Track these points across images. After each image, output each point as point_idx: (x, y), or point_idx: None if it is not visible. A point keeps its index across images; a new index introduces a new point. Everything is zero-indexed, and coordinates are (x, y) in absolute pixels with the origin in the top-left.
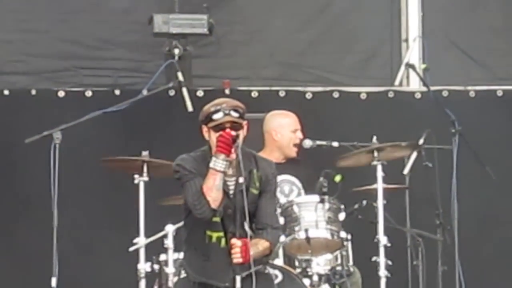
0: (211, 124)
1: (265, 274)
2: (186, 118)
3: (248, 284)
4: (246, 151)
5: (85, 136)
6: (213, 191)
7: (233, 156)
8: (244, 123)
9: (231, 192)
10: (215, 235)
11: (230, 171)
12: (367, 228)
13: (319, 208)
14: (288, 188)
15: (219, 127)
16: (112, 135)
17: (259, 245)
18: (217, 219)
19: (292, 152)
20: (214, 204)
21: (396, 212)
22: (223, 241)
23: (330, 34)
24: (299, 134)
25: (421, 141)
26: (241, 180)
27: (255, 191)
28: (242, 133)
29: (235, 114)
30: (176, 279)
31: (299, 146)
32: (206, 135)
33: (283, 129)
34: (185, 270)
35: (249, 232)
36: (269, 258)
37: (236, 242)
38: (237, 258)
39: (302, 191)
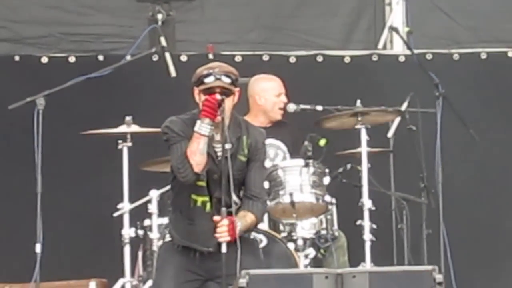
0: (201, 87)
1: (250, 239)
2: (169, 83)
3: (232, 249)
4: (237, 117)
5: (68, 102)
6: (196, 155)
7: (219, 119)
8: (236, 90)
9: (219, 158)
10: (200, 199)
11: (218, 137)
12: (351, 192)
13: (303, 172)
14: (274, 152)
15: (209, 91)
16: (96, 101)
17: (247, 218)
18: (202, 183)
19: (277, 115)
20: (197, 168)
21: (380, 175)
22: (208, 205)
23: None
24: (283, 98)
25: (404, 105)
26: (227, 146)
27: (243, 158)
28: (233, 100)
29: (226, 80)
30: (160, 242)
31: (284, 109)
32: (197, 97)
33: (266, 93)
34: (169, 233)
35: (236, 200)
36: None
37: (221, 221)
38: (224, 237)
39: (288, 155)
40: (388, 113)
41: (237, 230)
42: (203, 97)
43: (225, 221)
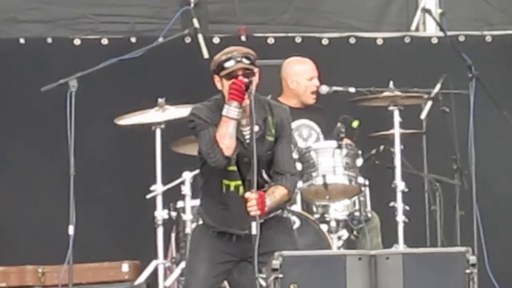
0: (223, 73)
1: (284, 218)
2: (202, 65)
3: (266, 228)
4: (260, 98)
5: (101, 83)
6: (226, 138)
7: (246, 102)
8: (256, 70)
9: (247, 141)
10: (232, 183)
11: (244, 121)
12: (384, 173)
13: (336, 154)
14: (307, 132)
15: (231, 75)
16: (128, 83)
17: (276, 193)
18: (233, 168)
19: (310, 99)
20: (227, 152)
21: (413, 157)
22: (241, 189)
23: None
24: (316, 82)
25: (437, 87)
26: (256, 128)
27: (271, 138)
28: (255, 80)
29: (247, 61)
30: (194, 225)
31: (317, 93)
32: (218, 84)
33: (299, 77)
34: (202, 218)
35: (267, 179)
36: (287, 204)
37: (250, 195)
38: (254, 211)
39: (321, 136)
40: (420, 97)
41: (267, 204)
42: (226, 83)
43: (253, 195)
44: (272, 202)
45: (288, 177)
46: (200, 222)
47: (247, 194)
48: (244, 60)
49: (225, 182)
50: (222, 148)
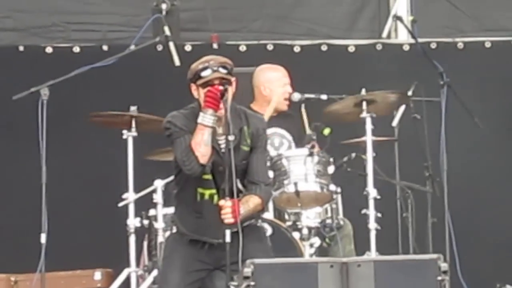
0: (199, 82)
1: (257, 226)
2: (174, 73)
3: (239, 238)
4: (236, 108)
5: (73, 92)
6: (201, 146)
7: (222, 111)
8: (233, 79)
9: (222, 150)
10: (207, 192)
11: (220, 130)
12: (356, 180)
13: (308, 161)
14: (278, 141)
15: (207, 84)
16: (100, 91)
17: (250, 202)
18: (208, 176)
19: (283, 106)
20: (202, 160)
21: (385, 164)
22: (215, 198)
23: None
24: (288, 88)
25: (409, 93)
26: (230, 138)
27: (246, 148)
28: (231, 90)
29: (224, 71)
30: (168, 233)
31: (289, 99)
32: (195, 93)
33: (271, 84)
34: (176, 226)
35: (242, 188)
36: (261, 213)
37: (225, 203)
38: (228, 219)
39: (293, 144)
40: (393, 97)
41: (241, 212)
42: (202, 91)
43: (228, 203)
44: (246, 211)
45: (262, 187)
46: (174, 230)
47: (221, 202)
48: (221, 69)
49: (200, 190)
50: (197, 156)
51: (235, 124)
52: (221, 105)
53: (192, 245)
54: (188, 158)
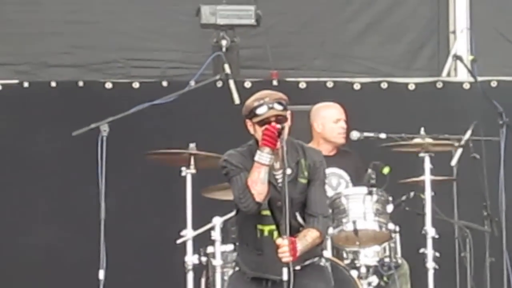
0: (255, 119)
1: (320, 265)
2: (233, 110)
3: (302, 275)
4: (293, 142)
5: (132, 128)
6: (257, 184)
7: (279, 147)
8: (288, 113)
9: (279, 184)
10: (266, 228)
11: (277, 165)
12: (414, 220)
13: (367, 200)
14: (336, 181)
15: (264, 122)
16: (160, 127)
17: (308, 237)
18: (267, 212)
19: (338, 140)
20: (259, 198)
21: (443, 203)
22: (275, 234)
23: (379, 24)
24: (342, 124)
25: (468, 133)
26: (288, 171)
27: (304, 181)
28: (287, 125)
29: (279, 107)
30: (228, 271)
31: (347, 135)
32: (251, 129)
33: (325, 120)
34: (238, 266)
35: (302, 222)
36: (321, 247)
37: (282, 242)
38: (286, 257)
39: (350, 184)
40: (450, 144)
41: (299, 249)
42: (258, 128)
43: (285, 241)
44: (304, 246)
45: (320, 219)
46: (237, 268)
47: (279, 241)
48: (276, 105)
49: (259, 227)
50: (253, 194)
51: (292, 157)
52: (278, 143)
53: (255, 283)
54: (244, 196)
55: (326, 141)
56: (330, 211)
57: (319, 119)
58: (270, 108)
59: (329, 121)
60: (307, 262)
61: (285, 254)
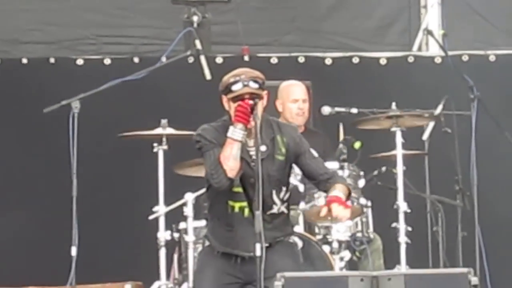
0: (230, 95)
1: (289, 242)
2: (205, 86)
3: (271, 252)
4: (267, 119)
5: (104, 104)
6: (230, 160)
7: (252, 124)
8: (264, 93)
9: (253, 162)
10: (237, 205)
11: (251, 142)
12: (386, 194)
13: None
14: None
15: (238, 98)
16: (131, 103)
17: (338, 186)
18: (239, 189)
19: (295, 120)
20: (230, 173)
21: (415, 178)
22: (246, 210)
23: (350, 0)
24: (300, 104)
25: (439, 108)
26: (263, 148)
27: (281, 158)
28: (262, 103)
29: (254, 85)
30: (200, 247)
31: (307, 117)
32: (226, 105)
33: (284, 100)
34: (209, 240)
35: (276, 200)
36: (292, 225)
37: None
38: (345, 217)
39: None
40: (422, 117)
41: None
42: (232, 104)
43: (334, 205)
44: (345, 191)
45: (335, 178)
46: (207, 243)
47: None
48: (252, 83)
49: (230, 203)
50: (225, 170)
51: (267, 134)
52: (252, 120)
53: (224, 258)
54: (216, 171)
55: (287, 121)
56: (302, 186)
57: (280, 98)
58: (245, 86)
59: (287, 100)
60: (277, 240)
61: (342, 213)
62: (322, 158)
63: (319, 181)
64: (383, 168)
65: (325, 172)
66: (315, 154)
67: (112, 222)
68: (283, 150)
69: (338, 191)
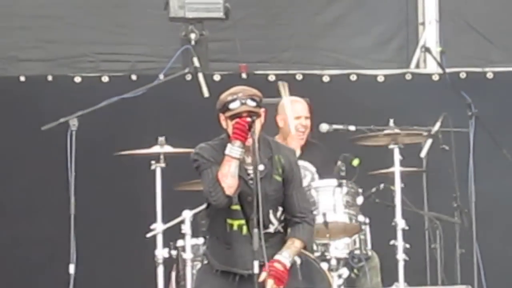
0: (228, 114)
1: None
2: (203, 103)
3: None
4: (265, 138)
5: (102, 122)
6: (228, 177)
7: (250, 142)
8: (262, 111)
9: (251, 180)
10: (236, 223)
11: (249, 160)
12: (384, 211)
13: (337, 192)
14: (301, 173)
15: (235, 116)
16: (129, 121)
17: (293, 246)
18: (237, 207)
19: (294, 140)
20: (229, 191)
21: (413, 195)
22: (244, 228)
23: (348, 16)
24: (303, 121)
25: (437, 125)
26: (261, 167)
27: (279, 178)
28: (260, 121)
29: (252, 103)
30: (198, 265)
31: (308, 133)
32: (223, 123)
33: (286, 116)
34: (207, 259)
35: (273, 220)
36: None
37: (268, 281)
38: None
39: (316, 176)
40: (420, 134)
41: (283, 274)
42: (230, 122)
43: (270, 282)
44: (292, 252)
45: (304, 226)
46: (206, 261)
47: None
48: (249, 102)
49: (229, 221)
50: (223, 187)
51: (265, 153)
52: (249, 137)
53: (223, 277)
54: (214, 189)
55: (286, 138)
56: None
57: (282, 114)
58: (243, 104)
59: (289, 117)
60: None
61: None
62: (322, 171)
63: (290, 218)
64: (381, 185)
65: (300, 212)
66: (305, 183)
67: (110, 239)
68: (280, 170)
69: (287, 252)
